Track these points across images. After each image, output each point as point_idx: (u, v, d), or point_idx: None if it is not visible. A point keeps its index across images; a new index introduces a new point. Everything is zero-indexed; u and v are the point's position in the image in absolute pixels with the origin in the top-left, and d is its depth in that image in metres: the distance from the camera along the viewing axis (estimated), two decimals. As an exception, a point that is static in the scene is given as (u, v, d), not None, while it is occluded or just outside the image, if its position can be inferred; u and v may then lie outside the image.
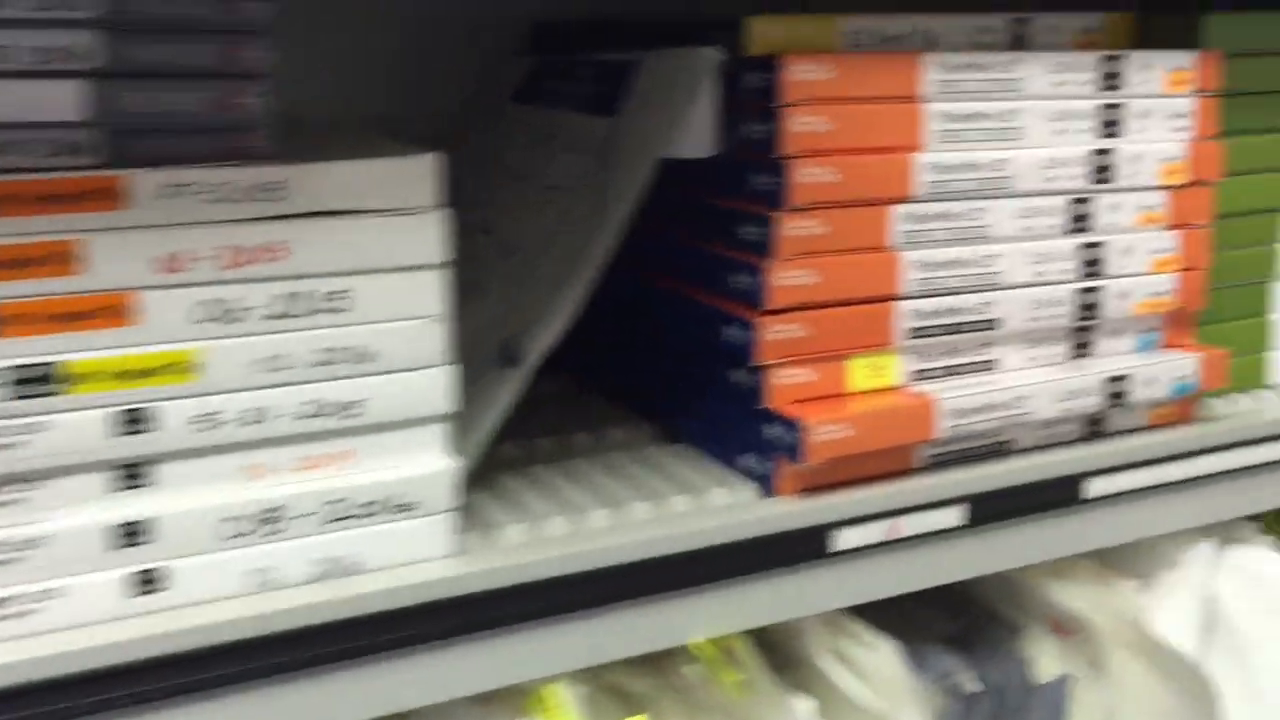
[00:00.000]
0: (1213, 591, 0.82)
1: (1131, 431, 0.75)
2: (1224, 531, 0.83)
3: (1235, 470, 0.78)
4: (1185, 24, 0.76)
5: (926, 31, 0.70)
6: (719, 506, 0.64)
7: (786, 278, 0.63)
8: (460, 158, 0.79)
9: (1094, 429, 0.74)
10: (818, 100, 0.62)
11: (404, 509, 0.55)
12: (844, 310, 0.65)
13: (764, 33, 0.65)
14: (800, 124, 0.62)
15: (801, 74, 0.62)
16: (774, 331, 0.63)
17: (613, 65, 0.72)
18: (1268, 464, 0.79)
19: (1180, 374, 0.74)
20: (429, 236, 0.54)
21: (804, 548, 0.64)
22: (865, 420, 0.64)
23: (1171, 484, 0.75)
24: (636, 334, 0.77)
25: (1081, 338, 0.73)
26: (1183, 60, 0.72)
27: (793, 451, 0.63)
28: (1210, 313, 0.79)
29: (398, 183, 0.53)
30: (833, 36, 0.67)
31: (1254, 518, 0.86)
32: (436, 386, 0.56)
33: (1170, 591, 0.82)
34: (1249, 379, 0.84)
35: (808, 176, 0.62)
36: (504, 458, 0.69)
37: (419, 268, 0.54)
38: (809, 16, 0.66)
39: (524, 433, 0.72)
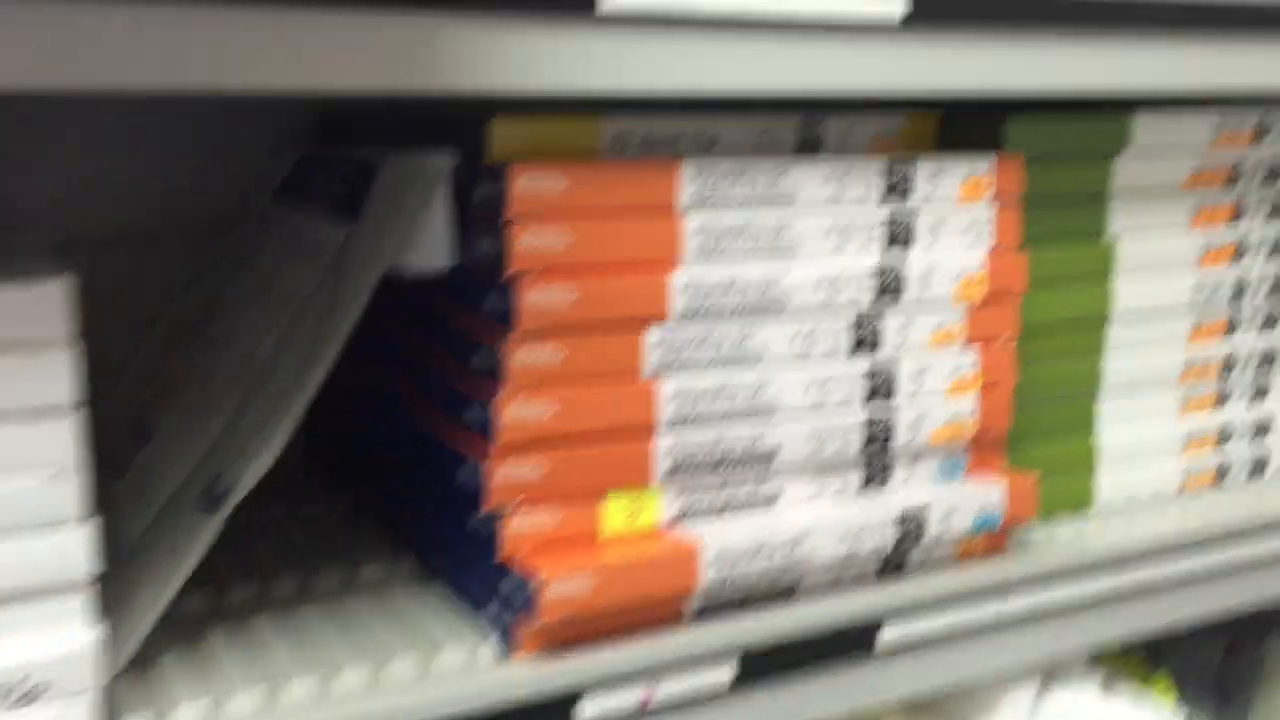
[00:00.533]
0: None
1: (935, 568, 0.68)
2: (1049, 671, 0.76)
3: (1053, 607, 0.71)
4: (988, 127, 0.70)
5: (702, 134, 0.63)
6: (447, 671, 0.56)
7: (518, 411, 0.56)
8: (219, 264, 0.71)
9: (892, 567, 0.67)
10: (551, 212, 0.56)
11: (29, 697, 0.47)
12: (591, 446, 0.58)
13: (507, 136, 0.58)
14: (529, 239, 0.55)
15: (530, 184, 0.55)
16: (505, 472, 0.56)
17: (362, 165, 0.65)
18: (1090, 600, 0.72)
19: (984, 505, 0.67)
20: (58, 374, 0.46)
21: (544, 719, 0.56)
22: (611, 571, 0.57)
23: (981, 626, 0.68)
24: (391, 458, 0.69)
25: (874, 468, 0.66)
26: (978, 165, 0.66)
27: (528, 608, 0.55)
28: (1029, 433, 0.73)
29: (18, 313, 0.45)
30: (594, 140, 0.60)
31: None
32: (72, 548, 0.47)
33: (989, 740, 0.74)
34: (1073, 503, 0.77)
35: (539, 297, 0.55)
36: (222, 604, 0.61)
37: (44, 411, 0.46)
38: (564, 117, 0.59)
39: (259, 570, 0.64)
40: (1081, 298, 0.75)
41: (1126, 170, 0.75)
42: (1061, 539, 0.75)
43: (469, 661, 0.58)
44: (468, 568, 0.61)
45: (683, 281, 0.59)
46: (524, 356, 0.56)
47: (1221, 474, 0.83)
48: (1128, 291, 0.76)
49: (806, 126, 0.66)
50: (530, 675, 0.56)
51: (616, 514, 0.60)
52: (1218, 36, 0.69)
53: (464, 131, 0.59)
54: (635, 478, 0.59)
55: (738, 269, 0.60)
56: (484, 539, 0.58)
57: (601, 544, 0.59)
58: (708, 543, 0.59)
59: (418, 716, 0.54)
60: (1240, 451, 0.84)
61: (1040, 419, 0.75)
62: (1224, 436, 0.83)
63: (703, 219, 0.59)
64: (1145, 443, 0.79)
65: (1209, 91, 0.71)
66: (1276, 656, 0.93)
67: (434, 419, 0.62)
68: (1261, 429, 0.84)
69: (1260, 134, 0.79)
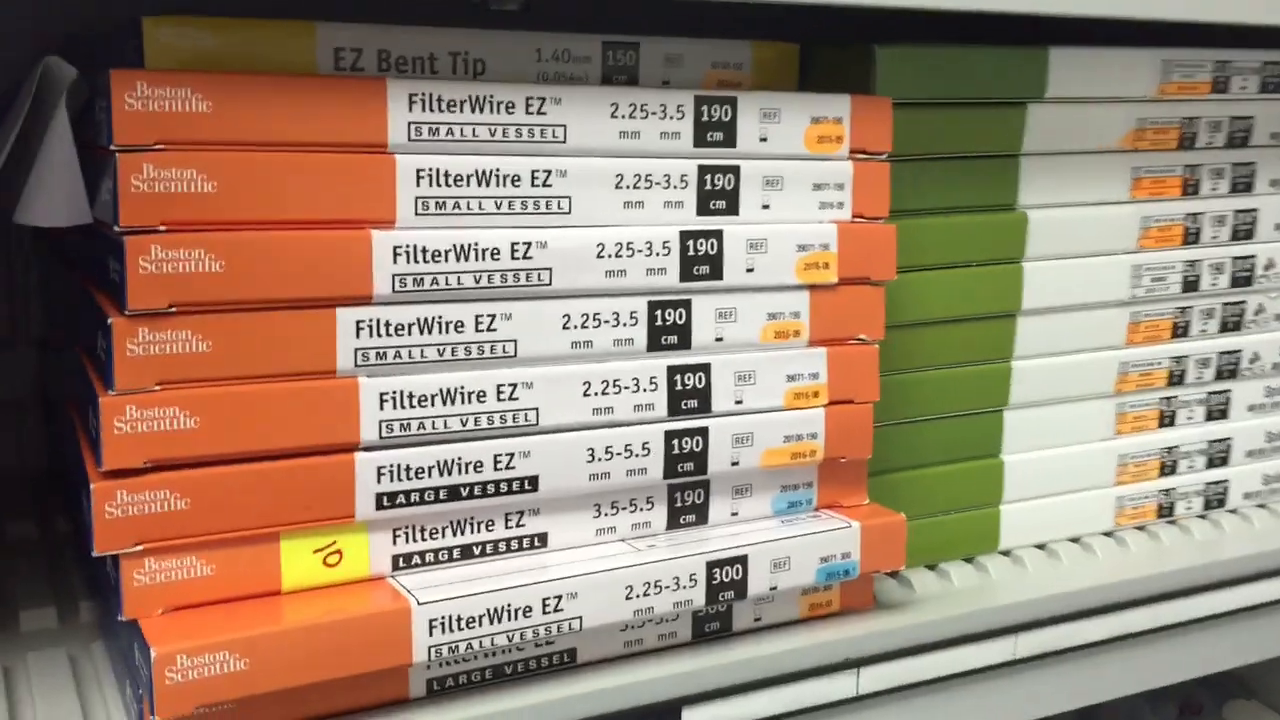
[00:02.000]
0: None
1: (769, 629, 0.52)
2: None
3: (924, 682, 0.54)
4: (854, 60, 0.54)
5: (465, 54, 0.47)
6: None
7: (135, 421, 0.39)
8: None
9: (712, 628, 0.50)
10: (187, 144, 0.39)
11: None
12: (259, 469, 0.42)
13: (169, 39, 0.42)
14: (150, 180, 0.38)
15: (148, 101, 0.38)
16: (119, 503, 0.39)
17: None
18: (971, 671, 0.55)
19: (832, 551, 0.50)
20: None
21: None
22: (275, 645, 0.40)
23: (821, 708, 0.52)
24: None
25: (685, 500, 0.49)
26: (830, 107, 0.49)
27: (150, 692, 0.39)
28: (916, 456, 0.57)
29: None
30: (303, 53, 0.44)
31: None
32: None
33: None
34: (974, 542, 0.61)
35: (162, 263, 0.39)
36: None
37: None
38: (259, 21, 0.43)
39: None
40: (981, 286, 0.59)
41: (1043, 122, 0.58)
42: (952, 590, 0.58)
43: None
44: (111, 627, 0.45)
45: (392, 246, 0.42)
46: (140, 345, 0.39)
47: (1166, 509, 0.66)
48: (1044, 278, 0.60)
49: (614, 50, 0.50)
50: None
51: (301, 560, 0.43)
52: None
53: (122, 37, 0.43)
54: (330, 512, 0.43)
55: (478, 233, 0.44)
56: (111, 589, 0.42)
57: (282, 602, 0.43)
58: (423, 602, 0.43)
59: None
60: (1191, 481, 0.67)
61: (929, 438, 0.59)
62: (1169, 462, 0.66)
63: (424, 162, 0.43)
64: (1067, 469, 0.63)
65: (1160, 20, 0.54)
66: (1237, 725, 0.77)
67: (76, 428, 0.46)
68: (1219, 454, 0.67)
69: (1220, 83, 0.62)
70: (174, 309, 0.40)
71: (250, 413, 0.42)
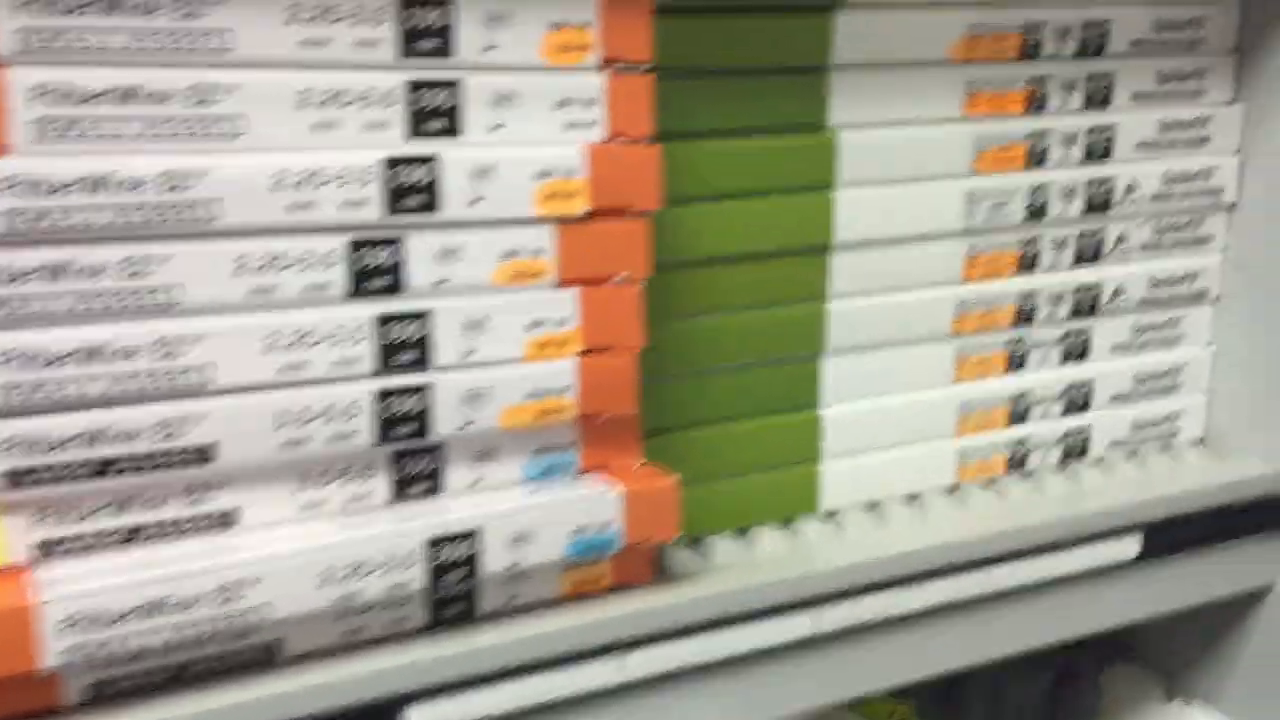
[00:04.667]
0: None
1: (522, 611, 0.45)
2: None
3: (706, 665, 0.48)
4: None
5: None
6: None
7: None
8: None
9: (453, 611, 0.44)
10: None
11: None
12: None
13: None
14: None
15: None
16: None
17: None
18: (769, 649, 0.49)
19: (586, 521, 0.43)
20: None
21: None
22: None
23: (583, 699, 0.45)
24: None
25: (411, 469, 0.43)
26: (573, 9, 0.42)
27: None
28: (717, 409, 0.50)
29: None
30: None
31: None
32: None
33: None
34: (790, 504, 0.54)
35: None
36: None
37: None
38: None
39: None
40: (786, 216, 0.52)
41: (855, 31, 0.51)
42: (755, 558, 0.52)
43: None
44: None
45: (2, 178, 0.35)
46: None
47: (1017, 460, 0.60)
48: (860, 207, 0.53)
49: None
50: None
51: (-87, 550, 0.36)
52: None
53: None
54: (-57, 492, 0.36)
55: (116, 160, 0.36)
56: None
57: (-113, 597, 0.36)
58: (52, 598, 0.36)
59: None
60: (1047, 429, 0.60)
61: (732, 389, 0.52)
62: (1020, 410, 0.59)
63: (43, 76, 0.36)
64: (898, 420, 0.56)
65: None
66: (1115, 691, 0.70)
67: None
68: (1078, 399, 0.61)
69: (1064, -16, 0.55)
70: None
71: None
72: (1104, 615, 0.59)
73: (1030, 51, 0.56)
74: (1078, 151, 0.58)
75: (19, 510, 0.38)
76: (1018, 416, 0.60)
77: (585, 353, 0.45)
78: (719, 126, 0.50)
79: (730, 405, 0.53)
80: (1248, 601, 0.65)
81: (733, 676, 0.49)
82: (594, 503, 0.45)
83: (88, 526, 0.39)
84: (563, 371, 0.44)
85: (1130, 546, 0.58)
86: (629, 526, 0.45)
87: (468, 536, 0.43)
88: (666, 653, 0.47)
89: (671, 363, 0.50)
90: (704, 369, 0.52)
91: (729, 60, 0.49)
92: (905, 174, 0.54)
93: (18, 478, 0.38)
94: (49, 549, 0.39)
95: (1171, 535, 0.59)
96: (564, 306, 0.44)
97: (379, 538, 0.41)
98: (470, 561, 0.43)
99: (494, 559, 0.43)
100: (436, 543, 0.42)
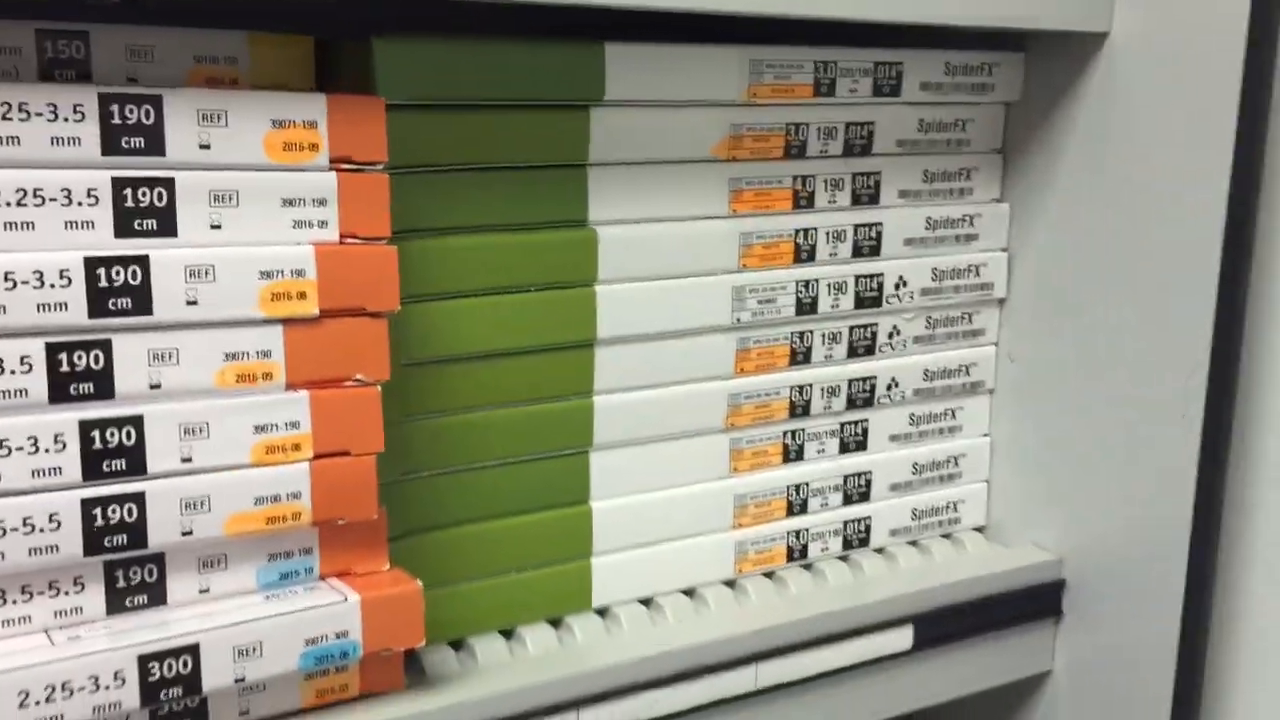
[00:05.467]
0: None
1: (261, 724, 0.41)
2: None
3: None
4: (356, 53, 0.44)
5: None
6: None
7: None
8: None
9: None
10: None
11: None
12: None
13: None
14: None
15: None
16: None
17: None
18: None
19: (320, 631, 0.40)
20: None
21: None
22: None
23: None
24: None
25: (128, 579, 0.39)
26: (299, 107, 0.39)
27: None
28: (486, 506, 0.49)
29: None
30: None
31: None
32: None
33: None
34: (560, 601, 0.51)
35: None
36: None
37: None
38: None
39: None
40: (548, 312, 0.49)
41: (613, 129, 0.49)
42: (522, 659, 0.48)
43: None
44: None
45: None
46: None
47: (797, 551, 0.57)
48: (623, 302, 0.51)
49: (53, 41, 0.39)
50: None
51: None
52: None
53: None
54: None
55: None
56: None
57: None
58: None
59: None
60: (826, 519, 0.58)
61: (501, 485, 0.49)
62: (797, 501, 0.57)
63: None
64: (673, 513, 0.54)
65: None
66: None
67: None
68: (858, 490, 0.59)
69: (825, 85, 0.53)
70: None
71: None
72: (880, 706, 0.57)
73: (795, 151, 0.54)
74: (846, 248, 0.57)
75: None
76: (797, 507, 0.58)
77: (319, 456, 0.42)
78: (478, 222, 0.48)
79: (495, 502, 0.50)
80: (1026, 687, 0.63)
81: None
82: (331, 612, 0.42)
83: None
84: (294, 476, 0.41)
85: (904, 638, 0.56)
86: (368, 634, 0.42)
87: (185, 651, 0.39)
88: (415, 764, 0.43)
89: (430, 461, 0.48)
90: (467, 466, 0.49)
91: (487, 157, 0.47)
92: (671, 270, 0.52)
93: None
94: None
95: (944, 625, 0.57)
96: (294, 409, 0.41)
97: (83, 656, 0.37)
98: (190, 678, 0.39)
99: (215, 674, 0.40)
100: (150, 659, 0.38)
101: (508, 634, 0.51)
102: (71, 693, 0.37)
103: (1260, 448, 0.58)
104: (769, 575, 0.58)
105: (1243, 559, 0.59)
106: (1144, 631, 0.57)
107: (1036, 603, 0.61)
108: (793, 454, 0.58)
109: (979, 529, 0.64)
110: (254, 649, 0.40)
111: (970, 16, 0.51)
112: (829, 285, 0.57)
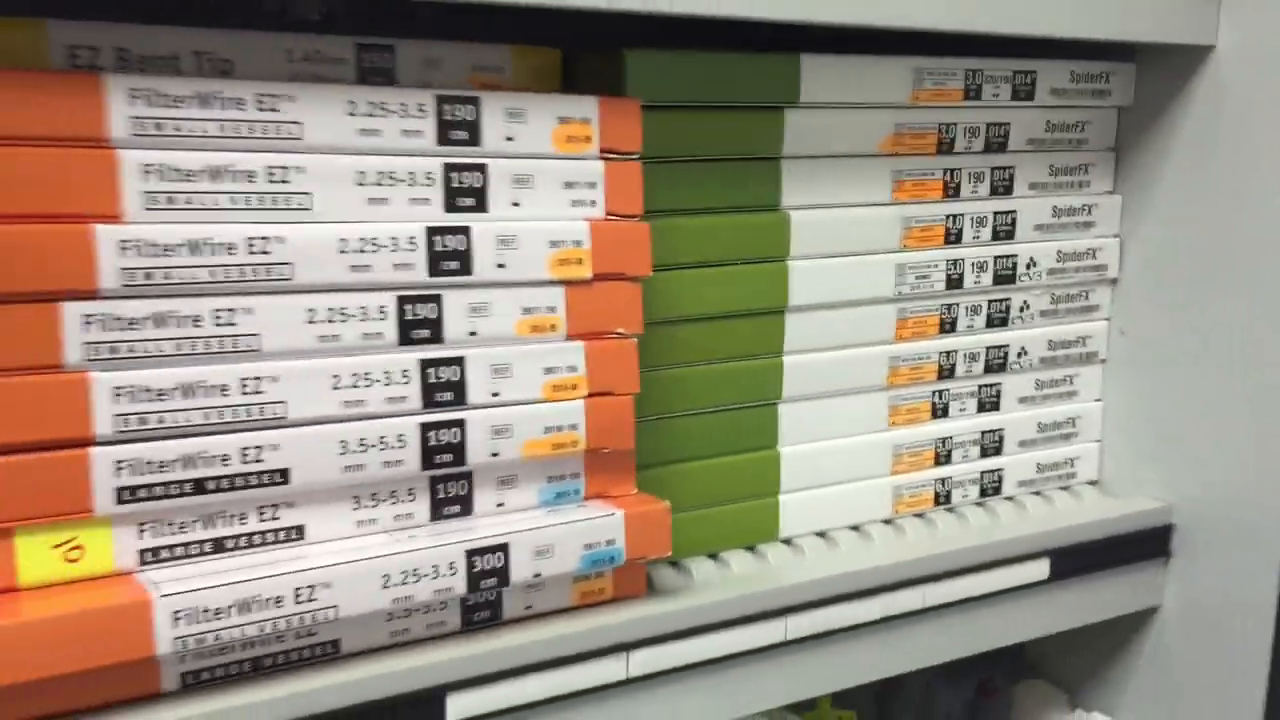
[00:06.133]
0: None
1: (540, 617, 0.49)
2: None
3: (697, 664, 0.52)
4: (608, 63, 0.53)
5: (210, 54, 0.44)
6: None
7: None
8: None
9: (482, 616, 0.48)
10: None
11: None
12: (-15, 464, 0.39)
13: None
14: None
15: None
16: None
17: None
18: (744, 653, 0.53)
19: (595, 539, 0.48)
20: None
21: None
22: (9, 638, 0.38)
23: (594, 692, 0.49)
24: None
25: (448, 492, 0.47)
26: (578, 107, 0.48)
27: None
28: (693, 448, 0.56)
29: None
30: (36, 49, 0.41)
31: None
32: None
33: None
34: (754, 531, 0.59)
35: None
36: None
37: None
38: None
39: None
40: (749, 283, 0.58)
41: (803, 127, 0.57)
42: (729, 576, 0.56)
43: None
44: None
45: (117, 240, 0.40)
46: None
47: (943, 496, 0.65)
48: (810, 276, 0.59)
49: (369, 53, 0.48)
50: None
51: (40, 556, 0.40)
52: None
53: None
54: (65, 506, 0.40)
55: (211, 228, 0.41)
56: None
57: (15, 598, 0.40)
58: (165, 594, 0.40)
59: None
60: (966, 469, 0.66)
61: (706, 430, 0.57)
62: (943, 452, 0.65)
63: (150, 157, 0.41)
64: (843, 460, 0.62)
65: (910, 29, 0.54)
66: (1025, 703, 0.76)
67: None
68: (992, 444, 0.67)
69: (973, 90, 0.62)
70: (-118, 303, 0.37)
71: (-27, 407, 0.39)
72: (1020, 629, 0.64)
73: (945, 147, 0.63)
74: (987, 232, 0.65)
75: (126, 523, 0.42)
76: (943, 458, 0.66)
77: (591, 395, 0.50)
78: (691, 206, 0.56)
79: (702, 445, 0.58)
80: (1138, 621, 0.71)
81: (717, 674, 0.54)
82: (602, 523, 0.50)
83: (181, 538, 0.43)
84: (573, 411, 0.50)
85: (1041, 569, 0.64)
86: (630, 544, 0.50)
87: (500, 549, 0.47)
88: (663, 653, 0.52)
89: (652, 407, 0.56)
90: (680, 413, 0.57)
91: (700, 150, 0.55)
92: (846, 249, 0.60)
93: (126, 495, 0.42)
94: (150, 557, 0.43)
95: (1075, 560, 0.65)
96: (573, 356, 0.50)
97: (429, 548, 0.46)
98: (501, 571, 0.47)
99: (520, 569, 0.48)
100: (475, 554, 0.47)
101: (713, 557, 0.59)
102: (419, 578, 0.46)
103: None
104: (919, 516, 0.66)
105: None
106: (1245, 571, 0.65)
107: (1148, 544, 0.68)
108: (939, 411, 0.66)
109: (1092, 483, 0.72)
110: (547, 550, 0.49)
111: (1092, 30, 0.59)
112: (972, 264, 0.65)
